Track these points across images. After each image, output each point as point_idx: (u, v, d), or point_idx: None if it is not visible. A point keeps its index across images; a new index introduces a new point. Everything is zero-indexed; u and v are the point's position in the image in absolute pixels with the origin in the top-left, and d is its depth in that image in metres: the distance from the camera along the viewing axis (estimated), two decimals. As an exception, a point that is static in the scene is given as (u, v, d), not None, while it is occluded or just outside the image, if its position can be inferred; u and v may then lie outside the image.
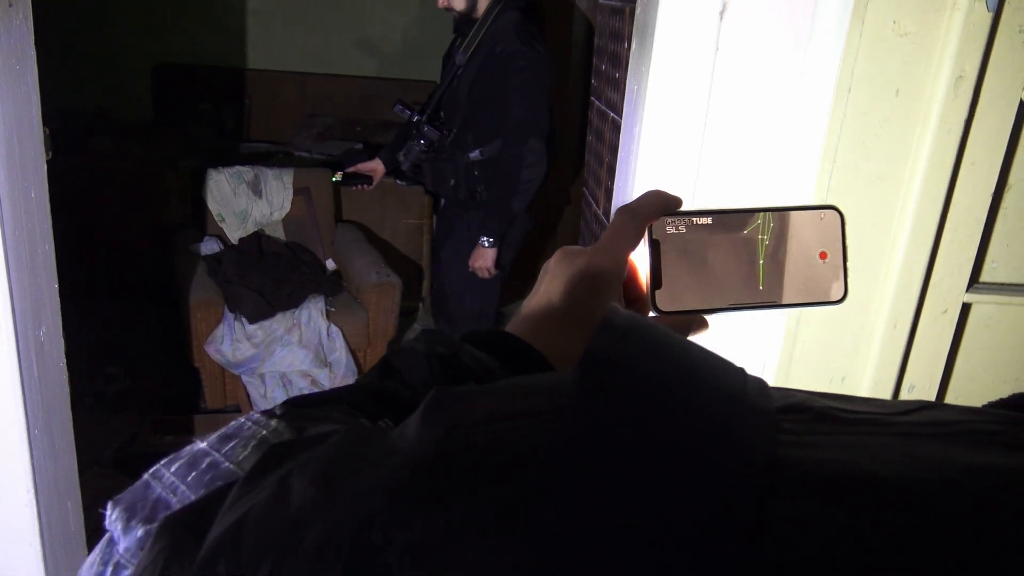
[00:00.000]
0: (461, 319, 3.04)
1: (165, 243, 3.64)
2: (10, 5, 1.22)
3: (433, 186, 2.97)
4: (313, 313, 3.24)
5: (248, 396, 3.20)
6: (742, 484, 0.25)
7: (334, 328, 3.27)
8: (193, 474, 0.37)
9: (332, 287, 3.44)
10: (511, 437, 0.28)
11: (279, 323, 3.16)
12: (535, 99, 2.70)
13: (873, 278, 1.17)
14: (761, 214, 0.57)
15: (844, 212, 0.57)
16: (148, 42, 4.54)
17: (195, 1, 4.60)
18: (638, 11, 1.35)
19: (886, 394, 1.24)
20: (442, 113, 2.91)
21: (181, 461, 0.38)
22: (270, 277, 3.29)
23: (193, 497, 0.36)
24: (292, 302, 3.23)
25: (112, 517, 0.36)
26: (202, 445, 0.38)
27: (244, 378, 3.18)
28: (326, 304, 3.32)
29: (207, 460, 0.37)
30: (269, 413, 0.40)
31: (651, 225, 0.56)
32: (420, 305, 4.17)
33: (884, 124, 1.10)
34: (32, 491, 1.39)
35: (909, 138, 1.11)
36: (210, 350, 3.07)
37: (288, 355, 3.16)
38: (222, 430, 0.39)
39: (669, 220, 0.56)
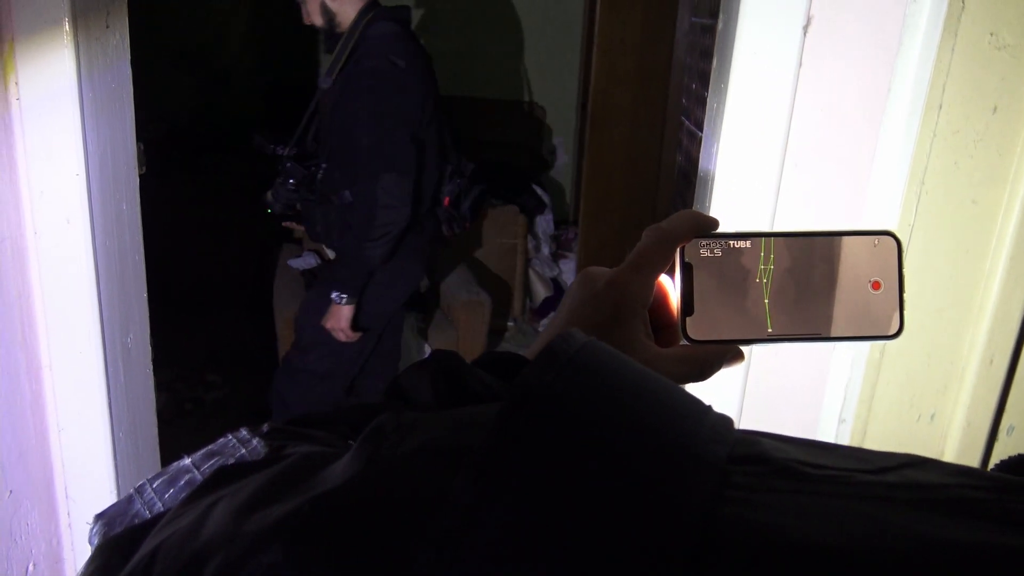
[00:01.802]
0: (301, 375, 2.60)
1: (266, 257, 3.77)
2: (107, 26, 1.28)
3: (310, 233, 2.58)
4: (404, 329, 3.29)
5: (339, 408, 3.27)
6: (666, 550, 0.22)
7: (424, 345, 3.30)
8: (171, 491, 0.36)
9: (424, 304, 3.48)
10: (428, 475, 0.26)
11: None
12: (386, 125, 2.23)
13: (966, 310, 1.09)
14: (807, 238, 0.52)
15: (900, 238, 0.52)
16: (262, 63, 4.75)
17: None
18: (720, 26, 1.30)
19: (981, 435, 1.14)
20: (314, 145, 2.52)
21: (164, 477, 0.37)
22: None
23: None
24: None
25: (93, 531, 0.36)
26: (187, 461, 0.38)
27: (335, 391, 3.25)
28: (417, 320, 3.35)
29: (186, 477, 0.37)
30: (255, 431, 0.39)
31: (683, 247, 0.52)
32: (511, 324, 4.17)
33: (979, 144, 1.02)
34: (115, 493, 1.45)
35: (1007, 159, 1.03)
36: (303, 362, 3.15)
37: (378, 369, 3.21)
38: (210, 446, 0.39)
39: (703, 243, 0.52)
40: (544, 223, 4.38)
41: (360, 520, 0.25)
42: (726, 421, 0.29)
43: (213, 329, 3.67)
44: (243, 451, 0.38)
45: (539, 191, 4.35)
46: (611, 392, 0.28)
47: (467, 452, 0.26)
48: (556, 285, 4.33)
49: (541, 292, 4.26)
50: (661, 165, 3.47)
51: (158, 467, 1.63)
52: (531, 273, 4.26)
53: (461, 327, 3.35)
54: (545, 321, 4.22)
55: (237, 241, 3.92)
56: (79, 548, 1.47)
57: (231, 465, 0.36)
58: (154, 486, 0.37)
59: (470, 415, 0.31)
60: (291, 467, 0.31)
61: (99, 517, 0.37)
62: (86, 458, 1.41)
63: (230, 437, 0.40)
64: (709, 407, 0.29)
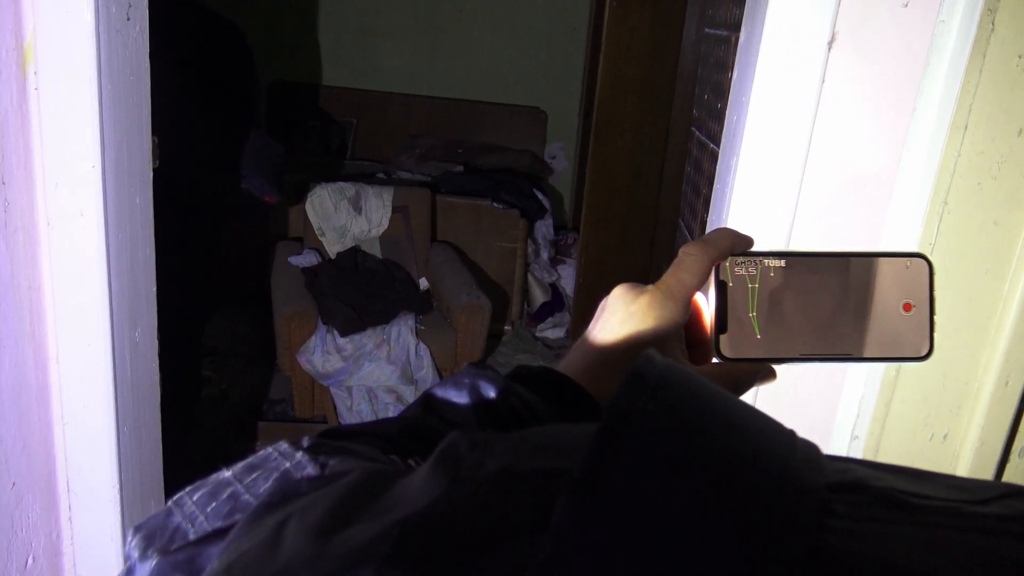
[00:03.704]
0: None
1: (267, 253, 3.76)
2: (128, 19, 1.27)
3: None
4: (403, 330, 3.28)
5: (335, 408, 3.26)
6: None
7: (422, 346, 3.30)
8: (213, 504, 0.36)
9: (423, 305, 3.47)
10: (518, 500, 0.25)
11: (369, 338, 3.20)
12: None
13: (983, 330, 1.09)
14: (840, 259, 0.53)
15: (932, 261, 0.53)
16: (265, 59, 4.73)
17: (311, 23, 4.78)
18: (742, 39, 1.30)
19: (993, 457, 1.14)
20: None
21: (204, 490, 0.37)
22: (363, 292, 3.35)
23: (210, 529, 0.34)
24: (383, 318, 3.28)
25: (132, 544, 0.36)
26: (227, 474, 0.37)
27: (332, 390, 3.24)
28: (416, 322, 3.35)
29: (228, 491, 0.36)
30: (296, 444, 0.39)
31: (719, 265, 0.52)
32: (508, 329, 4.17)
33: (1003, 165, 1.03)
34: (117, 487, 1.44)
35: (1031, 182, 1.03)
36: (301, 360, 3.14)
37: (376, 370, 3.20)
38: (250, 458, 0.38)
39: (739, 261, 0.53)
40: (544, 228, 4.38)
41: (455, 545, 0.24)
42: (813, 446, 0.28)
43: (211, 325, 3.65)
44: (287, 464, 0.38)
45: (540, 196, 4.35)
46: (702, 417, 0.28)
47: (557, 476, 0.25)
48: (554, 290, 4.33)
49: (539, 297, 4.26)
50: (664, 174, 3.48)
51: (159, 463, 1.61)
52: (530, 278, 4.26)
53: (460, 330, 3.35)
54: (542, 327, 4.21)
55: (237, 236, 3.90)
56: (79, 542, 1.46)
57: (291, 483, 0.35)
58: (194, 499, 0.37)
59: (550, 437, 0.30)
60: (359, 485, 0.31)
61: (138, 529, 0.37)
62: (89, 452, 1.40)
63: (271, 450, 0.39)
64: (793, 431, 0.29)
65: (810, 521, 0.23)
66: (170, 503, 0.38)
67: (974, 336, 1.10)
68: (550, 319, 4.23)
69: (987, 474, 1.16)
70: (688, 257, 0.52)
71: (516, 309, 4.17)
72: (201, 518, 0.36)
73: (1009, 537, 0.24)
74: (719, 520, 0.23)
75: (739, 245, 0.53)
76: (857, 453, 1.16)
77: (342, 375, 3.17)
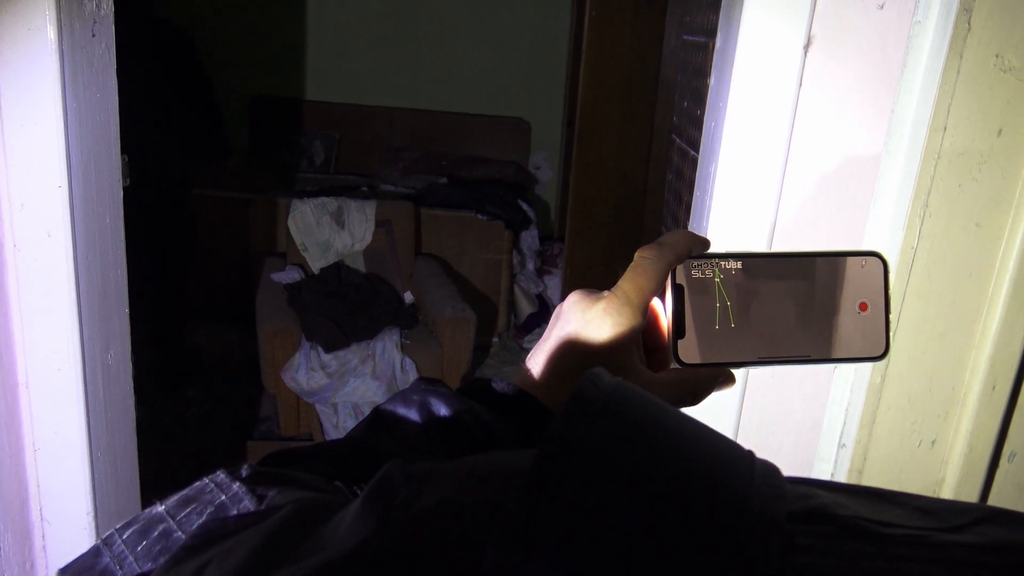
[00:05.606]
0: None
1: (249, 270, 3.73)
2: (93, 35, 1.25)
3: None
4: (388, 345, 3.25)
5: (321, 425, 3.22)
6: None
7: (408, 361, 3.27)
8: (144, 543, 0.33)
9: (408, 320, 3.44)
10: (455, 537, 0.23)
11: (354, 353, 3.17)
12: None
13: (968, 334, 1.07)
14: (796, 260, 0.52)
15: (887, 259, 0.52)
16: (248, 75, 4.71)
17: (293, 37, 4.76)
18: (718, 44, 1.29)
19: (982, 462, 1.12)
20: None
21: (135, 527, 0.34)
22: (347, 307, 3.32)
23: (138, 570, 0.32)
24: (367, 333, 3.25)
25: None
26: (159, 509, 0.35)
27: (318, 407, 3.20)
28: (401, 336, 3.32)
29: (160, 528, 0.34)
30: (234, 474, 0.36)
31: (675, 269, 0.51)
32: (495, 341, 4.14)
33: (983, 166, 1.01)
34: (92, 513, 1.40)
35: (1012, 182, 1.02)
36: (286, 377, 3.11)
37: (361, 386, 3.17)
38: (185, 490, 0.36)
39: (695, 263, 0.51)
40: (529, 239, 4.36)
41: None
42: (773, 469, 0.26)
43: (192, 342, 3.61)
44: (223, 497, 0.35)
45: (524, 206, 4.34)
46: (652, 444, 0.26)
47: (494, 509, 0.23)
48: (541, 301, 4.31)
49: (526, 308, 4.24)
50: (647, 182, 3.47)
51: (136, 488, 1.58)
52: (516, 289, 4.24)
53: (446, 344, 3.32)
54: (530, 338, 4.19)
55: (220, 253, 3.87)
56: (53, 572, 1.42)
57: (218, 521, 0.33)
58: (124, 537, 0.34)
59: (491, 466, 0.28)
60: (286, 522, 0.28)
61: (64, 571, 0.34)
62: (63, 480, 1.36)
63: (207, 481, 0.37)
64: (751, 452, 0.27)
65: (772, 558, 0.21)
66: (98, 542, 0.35)
67: (959, 340, 1.08)
68: (537, 330, 4.20)
69: (977, 480, 1.14)
70: (644, 261, 0.50)
71: (503, 321, 4.15)
72: (131, 558, 0.34)
73: (984, 571, 0.22)
74: (672, 561, 0.21)
75: (696, 247, 0.52)
76: (845, 461, 1.14)
77: (327, 392, 3.14)
